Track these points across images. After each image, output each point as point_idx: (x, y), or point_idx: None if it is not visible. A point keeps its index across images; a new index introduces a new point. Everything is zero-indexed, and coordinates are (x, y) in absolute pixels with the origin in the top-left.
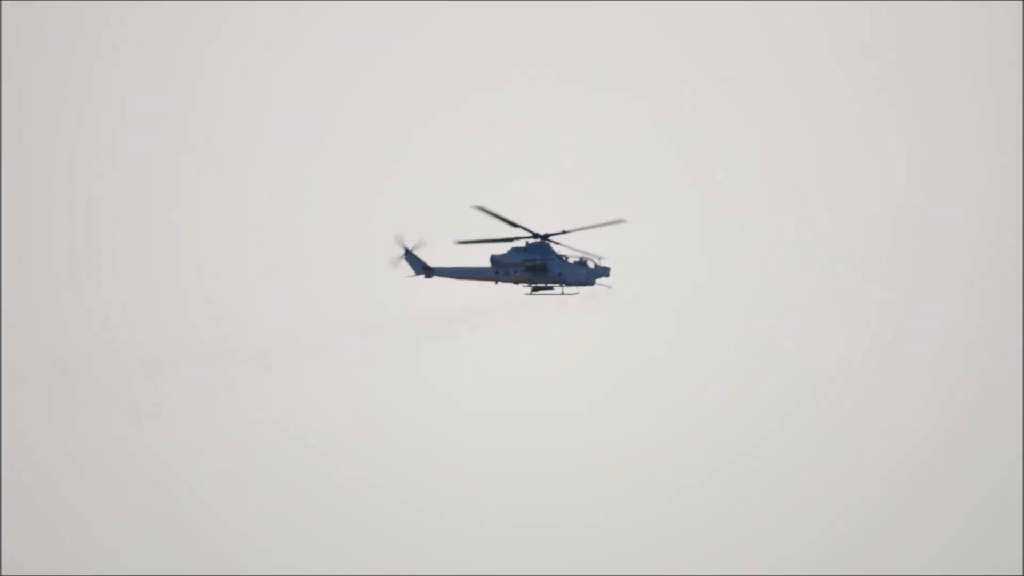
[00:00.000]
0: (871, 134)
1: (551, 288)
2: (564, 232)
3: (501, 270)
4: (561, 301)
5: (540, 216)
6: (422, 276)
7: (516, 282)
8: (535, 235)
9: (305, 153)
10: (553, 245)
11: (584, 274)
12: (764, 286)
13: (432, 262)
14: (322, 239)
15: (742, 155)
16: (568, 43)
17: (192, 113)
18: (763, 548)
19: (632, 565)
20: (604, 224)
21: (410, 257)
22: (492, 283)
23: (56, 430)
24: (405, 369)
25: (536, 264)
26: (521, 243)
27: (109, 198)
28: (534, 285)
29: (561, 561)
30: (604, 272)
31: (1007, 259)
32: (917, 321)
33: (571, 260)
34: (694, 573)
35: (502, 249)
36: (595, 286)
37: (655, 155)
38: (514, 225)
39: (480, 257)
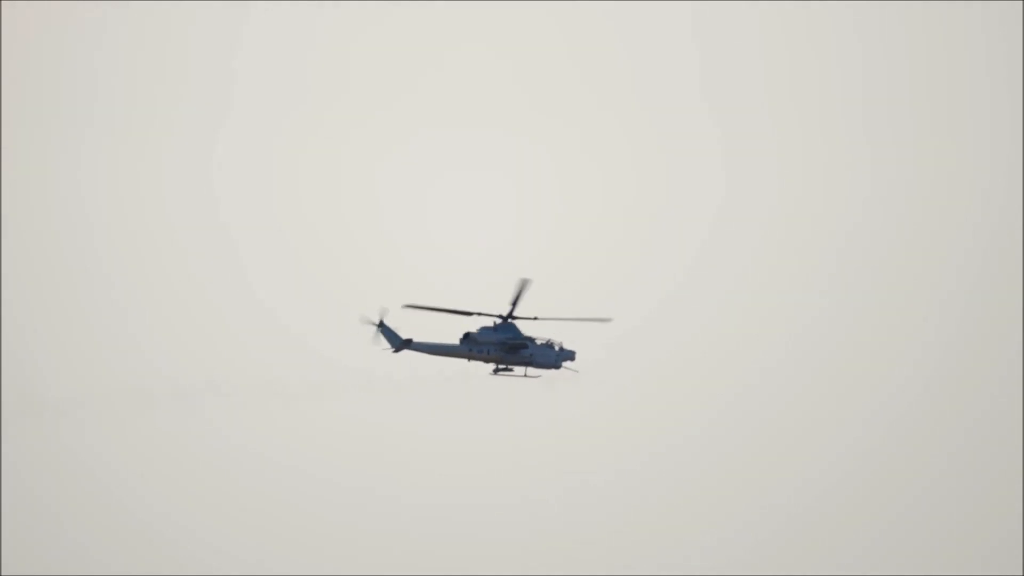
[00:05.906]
0: (871, 134)
1: (511, 370)
2: (536, 318)
3: (475, 348)
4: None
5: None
6: (392, 350)
7: (487, 360)
8: (500, 315)
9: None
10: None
11: (552, 356)
12: (752, 293)
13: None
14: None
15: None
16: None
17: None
18: (762, 549)
19: None
20: (588, 319)
21: (384, 330)
22: (465, 360)
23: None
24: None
25: (516, 343)
26: (489, 322)
27: (107, 198)
28: (499, 366)
29: None
30: (570, 355)
31: (1007, 258)
32: (915, 321)
33: (540, 342)
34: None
35: (473, 327)
36: (560, 369)
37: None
38: (467, 313)
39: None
